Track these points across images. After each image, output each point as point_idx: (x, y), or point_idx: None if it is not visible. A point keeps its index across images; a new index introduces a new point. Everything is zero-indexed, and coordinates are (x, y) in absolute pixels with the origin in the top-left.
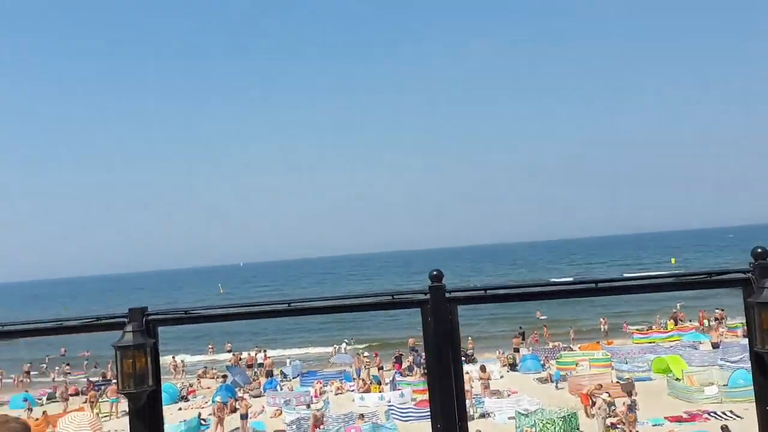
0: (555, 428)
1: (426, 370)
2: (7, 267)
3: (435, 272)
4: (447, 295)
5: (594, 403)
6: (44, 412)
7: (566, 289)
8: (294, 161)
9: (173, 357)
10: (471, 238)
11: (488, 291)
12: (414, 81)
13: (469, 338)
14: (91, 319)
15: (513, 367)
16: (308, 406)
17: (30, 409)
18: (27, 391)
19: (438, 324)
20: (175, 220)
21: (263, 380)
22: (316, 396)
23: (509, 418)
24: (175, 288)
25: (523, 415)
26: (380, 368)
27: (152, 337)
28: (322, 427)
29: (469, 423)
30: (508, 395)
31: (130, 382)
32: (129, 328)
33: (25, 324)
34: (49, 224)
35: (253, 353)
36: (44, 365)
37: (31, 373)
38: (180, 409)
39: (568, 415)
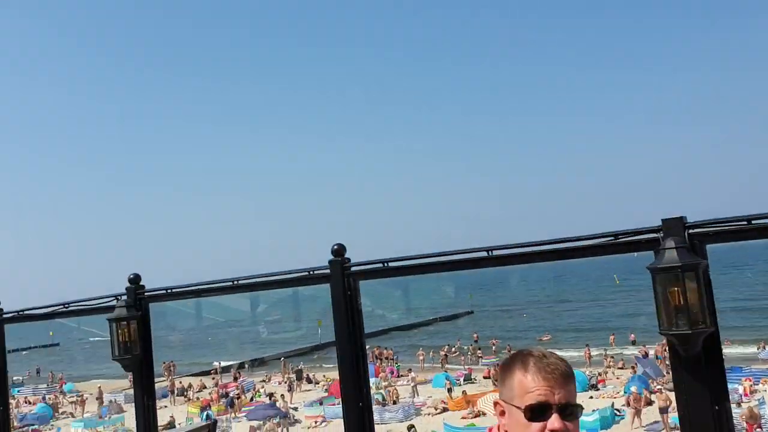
0: None
1: None
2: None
3: None
4: None
5: None
6: (464, 392)
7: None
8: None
9: (587, 346)
10: None
11: None
12: None
13: None
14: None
15: None
16: (738, 405)
17: (450, 389)
18: (446, 371)
19: None
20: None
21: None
22: (746, 394)
23: None
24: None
25: None
26: None
27: None
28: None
29: None
30: None
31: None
32: (670, 243)
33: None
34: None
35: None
36: (453, 348)
37: (448, 356)
38: (591, 397)
39: None
